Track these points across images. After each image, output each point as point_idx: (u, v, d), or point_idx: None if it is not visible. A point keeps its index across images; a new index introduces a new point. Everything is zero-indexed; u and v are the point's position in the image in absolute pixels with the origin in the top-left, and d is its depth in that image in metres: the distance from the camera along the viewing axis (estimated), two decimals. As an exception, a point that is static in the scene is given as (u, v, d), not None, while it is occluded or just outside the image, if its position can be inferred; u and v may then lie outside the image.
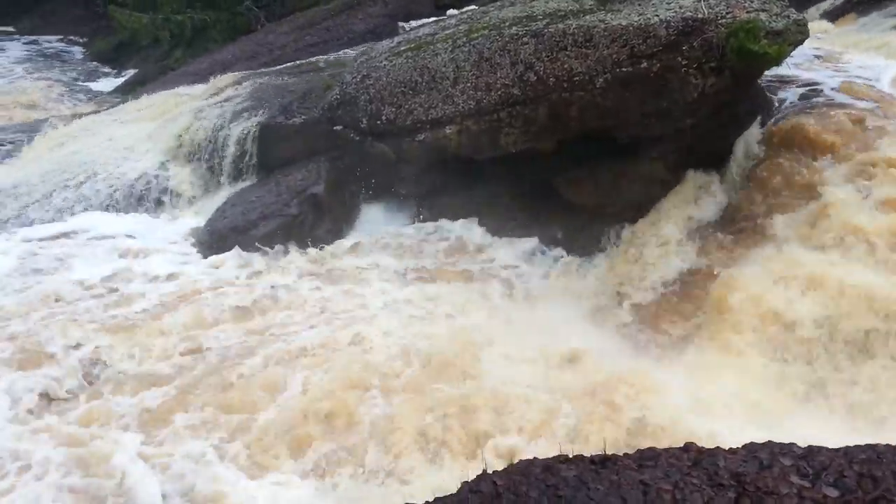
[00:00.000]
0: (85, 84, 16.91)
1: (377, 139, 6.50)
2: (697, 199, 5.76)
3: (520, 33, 6.00)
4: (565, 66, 5.67)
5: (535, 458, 2.16)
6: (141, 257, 5.97)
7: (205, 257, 5.97)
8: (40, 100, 14.62)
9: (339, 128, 6.63)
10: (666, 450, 2.13)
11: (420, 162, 6.43)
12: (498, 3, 7.38)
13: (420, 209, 6.51)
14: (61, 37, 25.14)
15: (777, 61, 5.42)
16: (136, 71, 16.78)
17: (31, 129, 11.18)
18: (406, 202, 6.62)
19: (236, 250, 5.90)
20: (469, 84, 6.07)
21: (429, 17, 10.47)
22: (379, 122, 6.43)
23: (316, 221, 6.27)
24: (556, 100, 5.73)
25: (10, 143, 10.37)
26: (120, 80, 16.51)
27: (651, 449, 2.14)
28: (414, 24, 10.29)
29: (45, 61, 20.55)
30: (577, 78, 5.63)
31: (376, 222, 6.46)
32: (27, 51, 22.88)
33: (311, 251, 6.01)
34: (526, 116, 5.87)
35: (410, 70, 6.42)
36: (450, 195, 6.48)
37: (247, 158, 6.92)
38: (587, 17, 5.91)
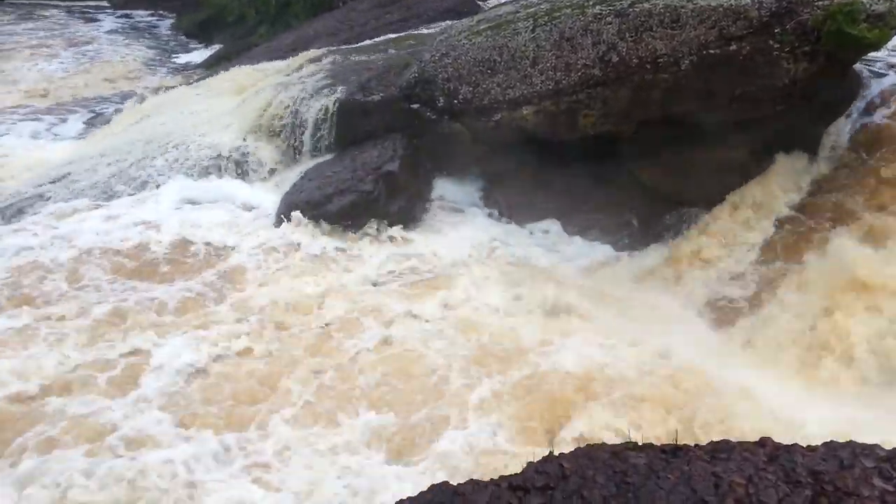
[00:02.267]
0: (172, 58, 17.47)
1: (453, 118, 6.48)
2: (782, 188, 5.55)
3: (603, 13, 5.87)
4: (649, 46, 5.53)
5: (603, 442, 2.13)
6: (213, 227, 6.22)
7: (278, 228, 6.12)
8: (129, 72, 15.18)
9: (415, 106, 6.65)
10: (740, 443, 2.07)
11: (495, 142, 6.39)
12: (581, -18, 7.21)
13: (493, 190, 6.49)
14: (151, 11, 25.99)
15: (876, 46, 5.16)
16: (221, 46, 17.19)
17: (120, 100, 11.65)
18: (479, 182, 6.61)
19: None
20: (548, 64, 5.98)
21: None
22: (456, 101, 6.41)
23: (389, 198, 6.31)
24: (638, 82, 5.60)
25: (101, 112, 10.83)
26: (205, 55, 16.96)
27: (725, 441, 2.08)
28: (495, 2, 10.18)
29: (135, 35, 21.31)
30: (662, 59, 5.48)
31: (449, 201, 6.48)
32: (119, 24, 23.76)
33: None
34: (606, 98, 5.76)
35: (489, 49, 6.37)
36: (523, 176, 6.43)
37: (324, 134, 7.01)
38: (675, -4, 5.72)
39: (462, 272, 5.50)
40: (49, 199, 6.92)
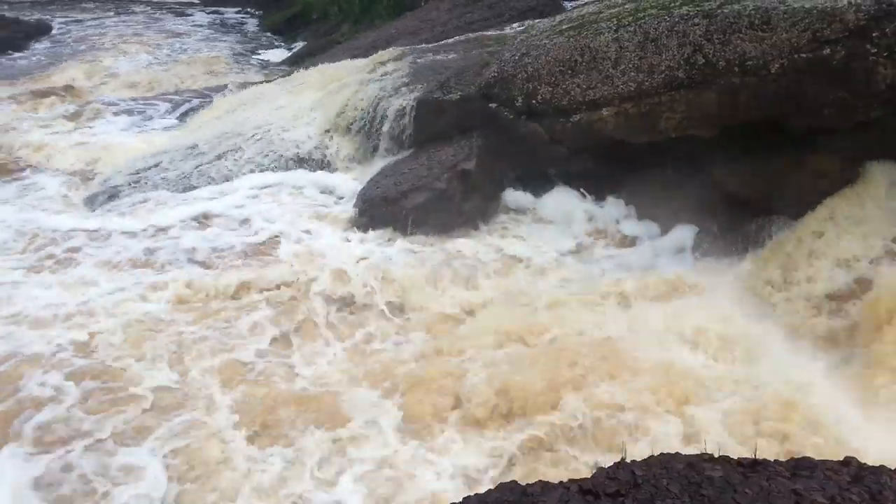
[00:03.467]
0: (258, 54, 17.97)
1: (531, 118, 6.45)
2: (874, 200, 5.27)
3: (690, 14, 5.73)
4: (738, 49, 5.36)
5: (677, 452, 2.08)
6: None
7: (356, 225, 6.22)
8: (217, 67, 15.69)
9: (493, 105, 6.64)
10: (823, 461, 1.99)
11: (573, 144, 6.32)
12: (668, -18, 7.07)
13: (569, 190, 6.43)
14: (239, 8, 26.83)
15: (983, 51, 4.85)
16: (305, 43, 17.60)
17: (208, 94, 12.06)
18: (555, 184, 6.56)
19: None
20: (631, 65, 5.88)
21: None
22: (534, 101, 6.37)
23: (464, 197, 6.34)
24: (724, 85, 5.44)
25: (191, 105, 11.24)
26: (290, 52, 17.39)
27: (806, 458, 2.00)
28: (578, 2, 10.07)
29: (223, 31, 22.04)
30: (750, 62, 5.31)
31: (523, 201, 6.46)
32: (208, 20, 24.59)
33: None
34: (690, 101, 5.62)
35: (570, 49, 6.31)
36: (601, 179, 6.35)
37: (402, 131, 7.09)
38: (766, -3, 5.54)
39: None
40: (138, 187, 7.25)
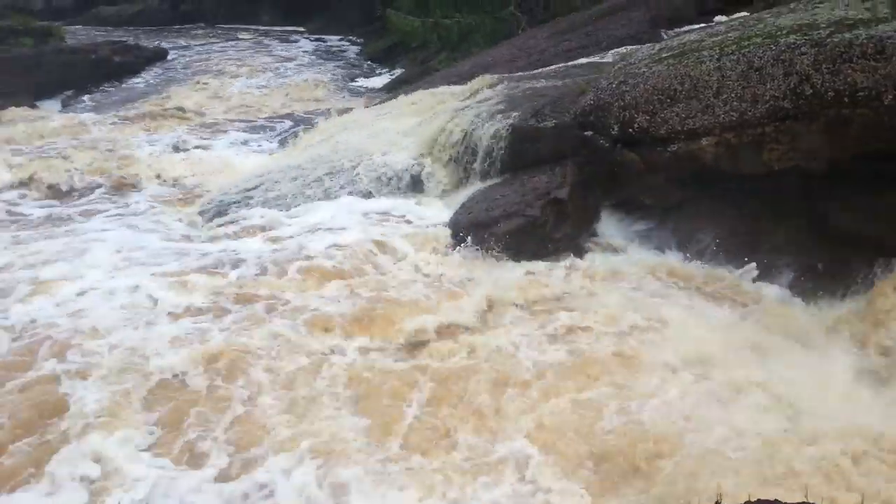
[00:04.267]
0: (358, 80, 18.55)
1: (627, 147, 6.36)
2: None
3: (798, 42, 5.55)
4: (848, 79, 5.14)
5: (776, 500, 1.99)
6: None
7: (448, 247, 6.30)
8: (319, 92, 16.30)
9: (588, 133, 6.60)
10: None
11: (669, 173, 6.19)
12: (774, 10, 6.88)
13: (665, 222, 6.29)
14: (341, 37, 27.83)
15: None
16: (403, 71, 18.05)
17: (310, 118, 12.53)
18: (650, 213, 6.43)
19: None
20: (733, 94, 5.73)
21: (695, 23, 10.02)
22: (631, 129, 6.29)
23: (556, 225, 6.31)
24: (833, 116, 5.22)
25: (294, 128, 11.70)
26: (387, 79, 17.87)
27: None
28: (678, 30, 9.91)
29: (326, 58, 22.87)
30: (862, 93, 5.08)
31: (617, 230, 6.37)
32: (313, 48, 25.59)
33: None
34: (795, 132, 5.42)
35: (670, 78, 6.20)
36: (698, 210, 6.18)
37: (495, 158, 7.13)
38: (880, 26, 5.31)
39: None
40: (244, 205, 7.59)
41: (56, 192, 9.00)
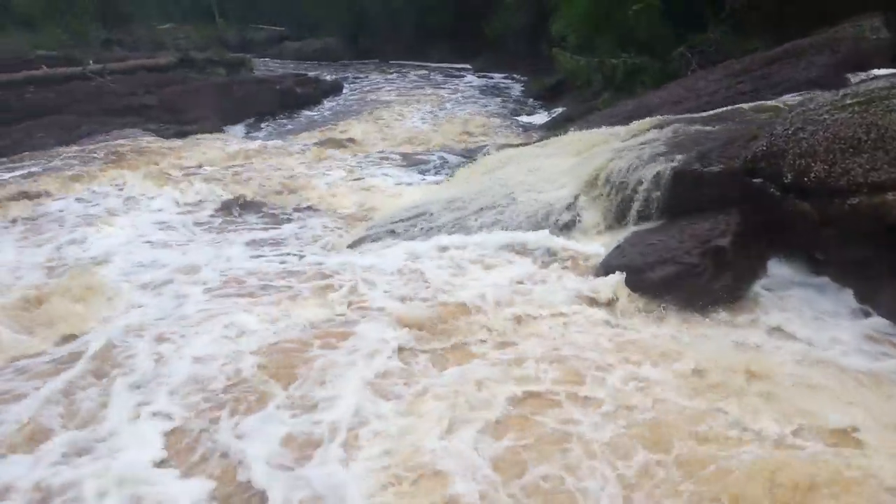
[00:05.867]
0: (519, 117, 18.80)
1: (800, 197, 5.96)
2: None
3: None
4: None
5: None
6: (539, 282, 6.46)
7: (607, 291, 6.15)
8: (481, 128, 16.67)
9: (758, 180, 6.25)
10: None
11: (847, 228, 5.72)
12: (982, 57, 6.24)
13: (839, 280, 5.81)
14: (506, 74, 28.40)
15: None
16: (565, 109, 18.08)
17: (470, 153, 12.83)
18: (823, 269, 5.97)
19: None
20: (927, 147, 5.23)
21: (885, 67, 9.28)
22: (806, 178, 5.89)
23: (715, 275, 5.99)
24: None
25: (454, 162, 12.02)
26: (549, 117, 17.96)
27: None
28: (864, 75, 9.21)
29: (490, 95, 23.40)
30: None
31: (784, 286, 5.95)
32: (478, 85, 26.28)
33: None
34: None
35: (854, 126, 5.77)
36: (881, 269, 5.65)
37: (654, 201, 6.94)
38: None
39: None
40: (399, 234, 7.88)
41: (232, 210, 9.85)
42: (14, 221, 9.61)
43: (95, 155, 13.51)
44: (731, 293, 5.96)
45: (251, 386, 4.78)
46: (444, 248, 7.21)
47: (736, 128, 7.57)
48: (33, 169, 12.67)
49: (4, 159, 13.64)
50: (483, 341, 5.40)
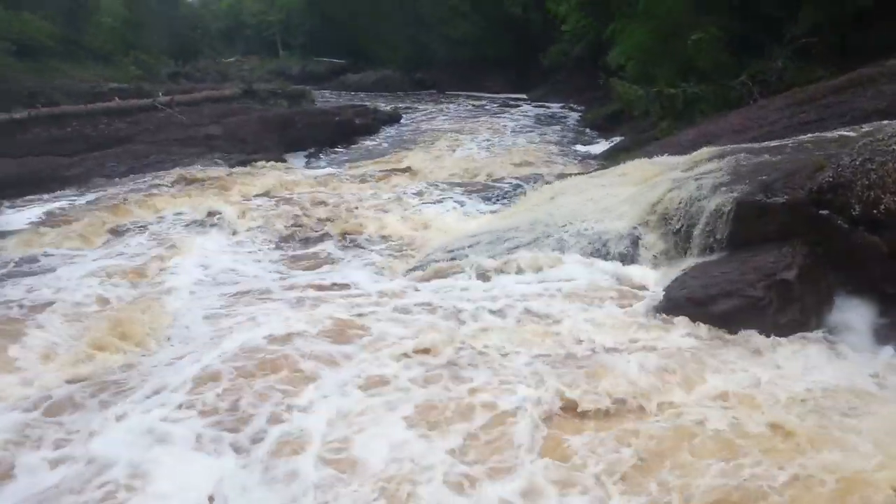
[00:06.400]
0: (575, 147, 18.75)
1: (869, 229, 5.81)
2: None
3: None
4: None
5: None
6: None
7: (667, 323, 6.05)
8: (537, 158, 16.68)
9: (824, 212, 6.11)
10: None
11: (921, 262, 5.55)
12: None
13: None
14: (562, 104, 28.43)
15: None
16: (622, 138, 17.97)
17: (527, 182, 12.84)
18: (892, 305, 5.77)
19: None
20: None
21: (959, 97, 8.98)
22: (875, 210, 5.74)
23: (781, 308, 5.85)
24: None
25: (511, 191, 12.05)
26: (605, 146, 17.87)
27: None
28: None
29: (546, 124, 23.43)
30: None
31: (855, 321, 5.77)
32: (535, 114, 26.36)
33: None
34: None
35: (926, 157, 5.61)
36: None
37: (716, 233, 6.82)
38: None
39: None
40: (456, 261, 7.92)
41: (290, 238, 10.08)
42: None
43: (162, 182, 14.02)
44: (798, 327, 5.79)
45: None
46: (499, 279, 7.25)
47: (800, 158, 7.41)
48: (111, 191, 13.35)
49: (78, 186, 14.28)
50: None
